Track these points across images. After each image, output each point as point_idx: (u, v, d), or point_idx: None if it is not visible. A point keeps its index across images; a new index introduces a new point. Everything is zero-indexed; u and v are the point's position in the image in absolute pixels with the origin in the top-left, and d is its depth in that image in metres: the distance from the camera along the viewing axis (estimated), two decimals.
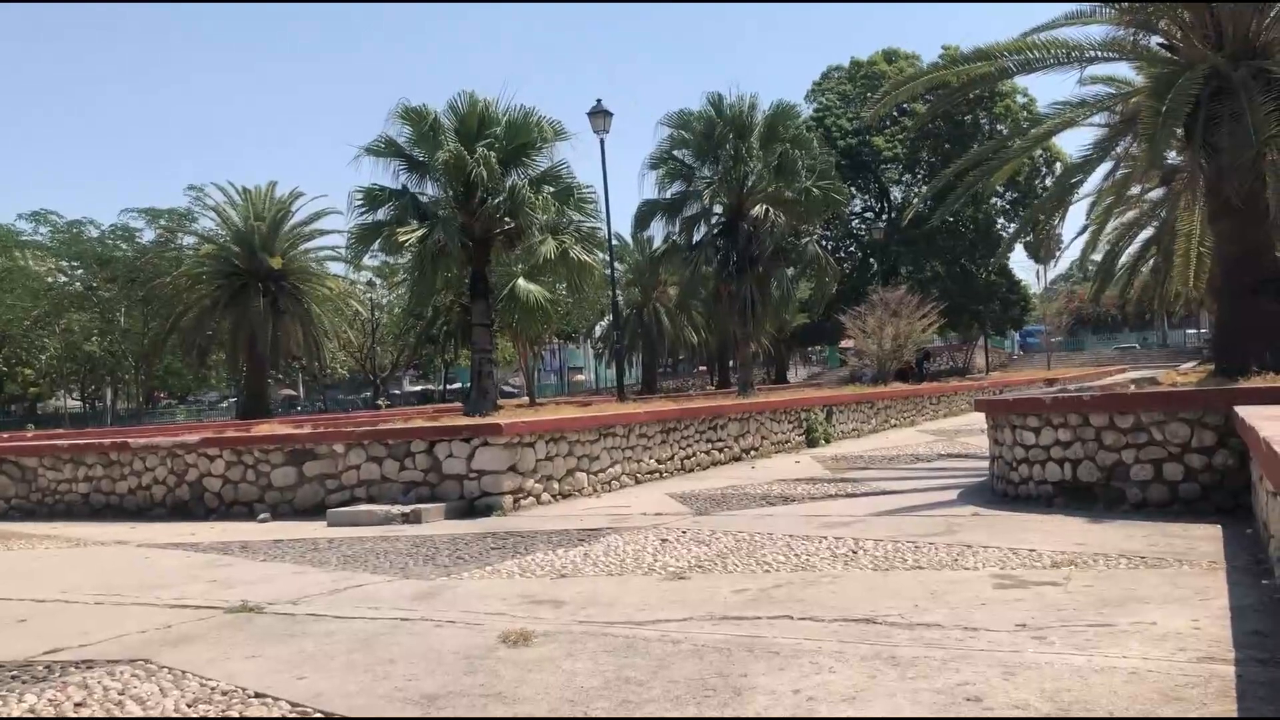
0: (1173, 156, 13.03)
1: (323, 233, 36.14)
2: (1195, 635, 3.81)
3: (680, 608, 4.79)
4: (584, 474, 10.45)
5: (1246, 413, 5.67)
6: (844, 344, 46.86)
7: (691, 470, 12.32)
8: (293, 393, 68.10)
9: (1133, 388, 9.98)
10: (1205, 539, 5.90)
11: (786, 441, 14.94)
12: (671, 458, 12.03)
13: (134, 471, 11.41)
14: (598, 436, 10.73)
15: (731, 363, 43.13)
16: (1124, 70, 13.11)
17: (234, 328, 33.47)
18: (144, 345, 44.52)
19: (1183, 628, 3.92)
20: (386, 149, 22.48)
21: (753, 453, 13.89)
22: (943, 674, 3.48)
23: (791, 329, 44.14)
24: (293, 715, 3.44)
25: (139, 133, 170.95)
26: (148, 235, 46.89)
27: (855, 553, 6.07)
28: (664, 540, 6.92)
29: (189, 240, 41.74)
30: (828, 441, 16.01)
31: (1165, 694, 3.14)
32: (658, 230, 29.06)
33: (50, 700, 3.76)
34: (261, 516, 10.12)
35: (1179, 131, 10.82)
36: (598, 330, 56.52)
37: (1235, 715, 2.93)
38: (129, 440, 11.77)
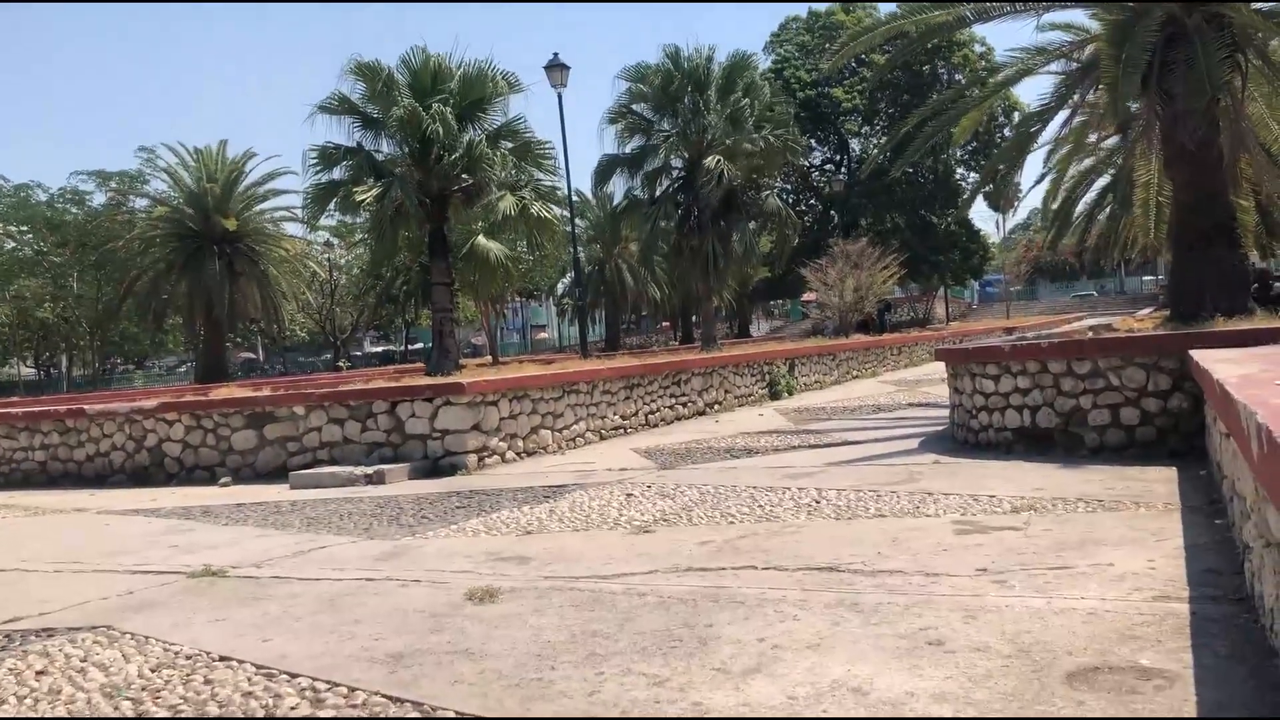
0: (1130, 104, 13.08)
1: (278, 193, 35.53)
2: (1151, 575, 3.88)
3: (646, 561, 4.81)
4: (548, 431, 10.44)
5: (1201, 356, 5.75)
6: (806, 297, 47.11)
7: (656, 425, 12.35)
8: (252, 356, 67.35)
9: (1090, 334, 10.09)
10: (1161, 481, 6.00)
11: (750, 395, 15.00)
12: (636, 413, 12.04)
13: (91, 438, 11.26)
14: (561, 394, 10.71)
15: (695, 318, 43.19)
16: (1080, 17, 13.11)
17: (190, 291, 32.91)
18: (98, 311, 43.72)
19: (1139, 568, 3.99)
20: (340, 106, 22.09)
21: (716, 407, 13.94)
22: (905, 619, 3.53)
23: (754, 283, 44.24)
24: (258, 677, 3.43)
25: (86, 94, 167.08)
26: (98, 198, 45.87)
27: (818, 503, 6.12)
28: (629, 495, 6.94)
29: (141, 203, 40.86)
30: (791, 394, 16.10)
31: (1122, 633, 3.20)
32: (618, 185, 28.85)
33: (10, 669, 3.72)
34: (223, 480, 10.03)
35: (1138, 80, 10.86)
36: (560, 288, 56.26)
37: (1189, 650, 2.99)
38: (85, 407, 11.61)
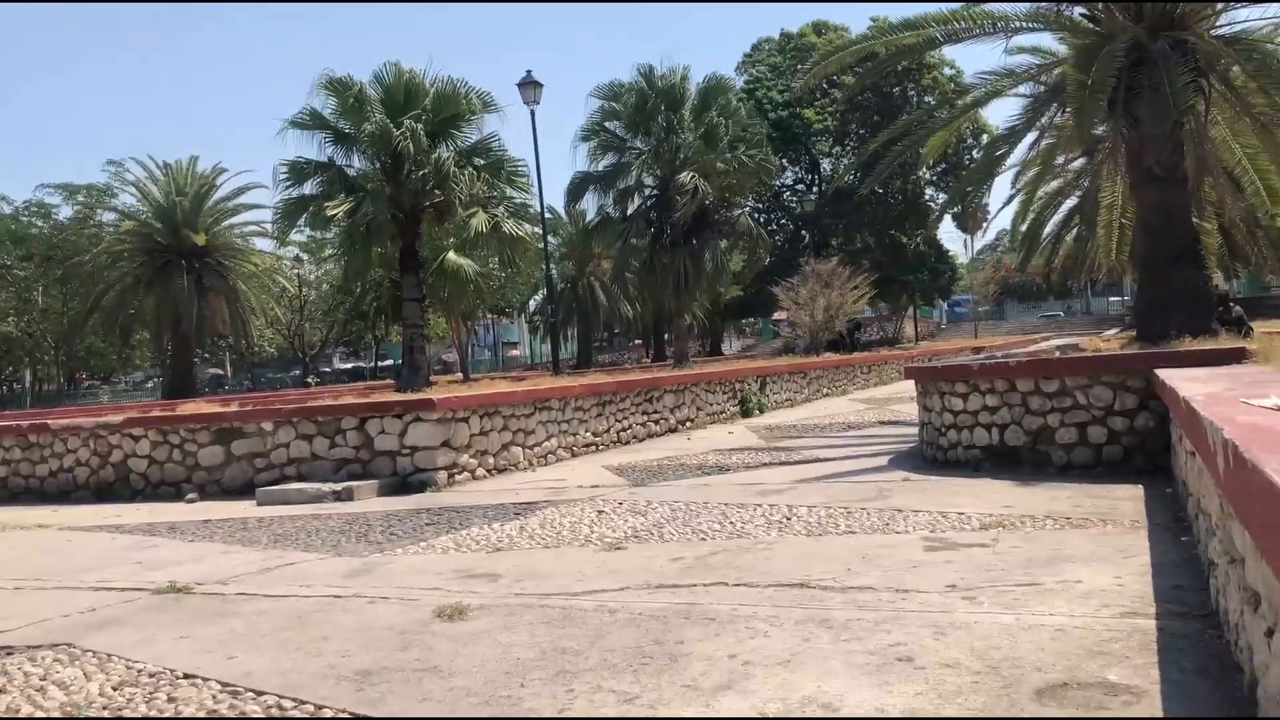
0: (1097, 127, 13.27)
1: (247, 207, 35.32)
2: (1119, 591, 3.90)
3: (617, 578, 4.79)
4: (519, 448, 10.40)
5: (1167, 375, 5.82)
6: (777, 316, 47.22)
7: (628, 443, 12.33)
8: (220, 372, 66.73)
9: (1058, 354, 10.19)
10: (1127, 499, 6.06)
11: (722, 412, 15.02)
12: (608, 430, 12.03)
13: (55, 454, 11.10)
14: (533, 410, 10.68)
15: (667, 336, 43.21)
16: (1048, 41, 13.33)
17: (157, 306, 32.62)
18: (64, 325, 43.22)
19: (1107, 585, 4.02)
20: (311, 121, 22.05)
21: (688, 424, 13.95)
22: (875, 635, 3.53)
23: (725, 301, 44.32)
24: (223, 694, 3.38)
25: (53, 106, 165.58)
26: (65, 212, 45.45)
27: (789, 519, 6.12)
28: (600, 512, 6.92)
29: (109, 217, 40.48)
30: (762, 411, 16.14)
31: (1090, 649, 3.21)
32: (591, 203, 28.91)
33: None
34: (189, 497, 9.92)
35: (1104, 103, 11.02)
36: (532, 305, 56.19)
37: (1156, 666, 3.01)
38: (48, 421, 11.45)
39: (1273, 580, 2.14)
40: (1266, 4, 23.99)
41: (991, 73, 12.87)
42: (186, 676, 3.61)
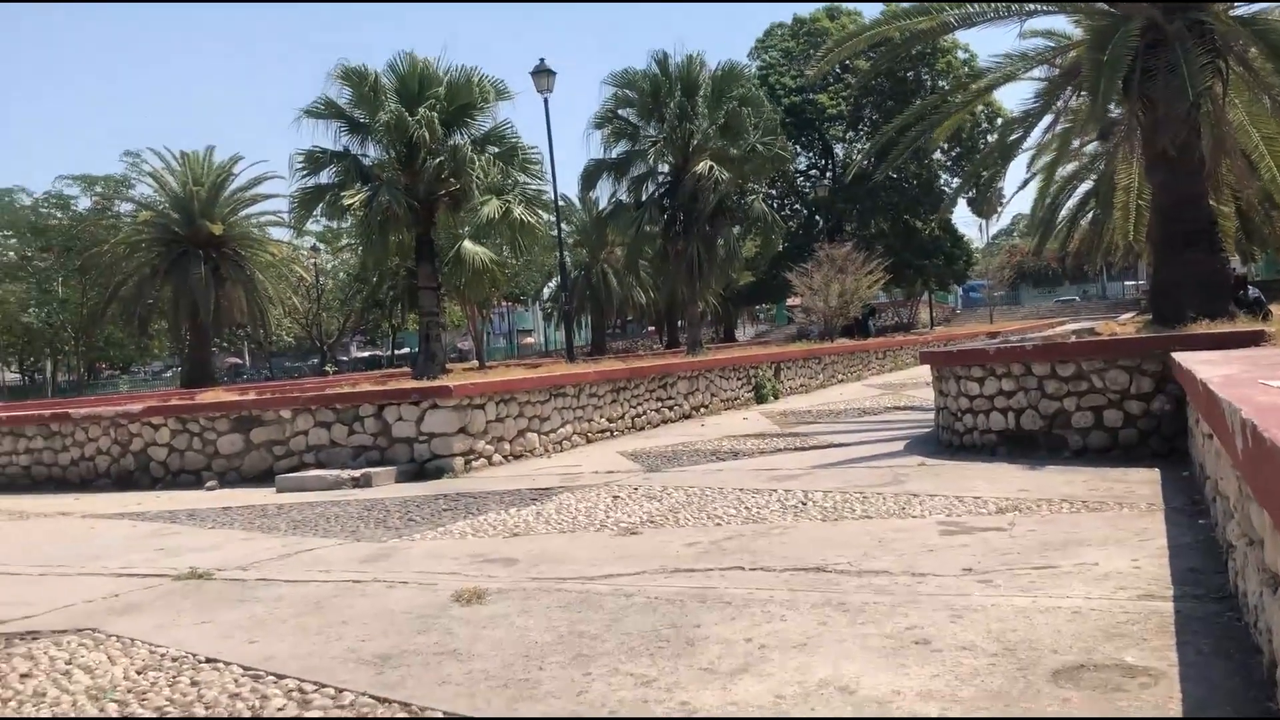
0: (1112, 109, 13.19)
1: (264, 197, 35.49)
2: (1135, 574, 3.90)
3: (633, 562, 4.81)
4: (535, 434, 10.43)
5: (1183, 358, 5.79)
6: (791, 302, 47.15)
7: (642, 429, 12.35)
8: (238, 361, 67.10)
9: (1073, 338, 10.15)
10: (1143, 483, 6.04)
11: (736, 398, 15.03)
12: (622, 416, 12.05)
13: (76, 442, 11.20)
14: (548, 397, 10.71)
15: (680, 322, 43.18)
16: (1063, 23, 13.26)
17: (175, 296, 32.76)
18: (83, 315, 43.48)
19: (1123, 567, 4.01)
20: (327, 110, 22.09)
21: (702, 410, 13.96)
22: (891, 619, 3.54)
23: (739, 288, 44.26)
24: (244, 678, 3.42)
25: (72, 98, 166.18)
26: (83, 203, 45.68)
27: (805, 504, 6.13)
28: (616, 497, 6.94)
29: (126, 207, 40.65)
30: (776, 397, 16.14)
31: (1107, 631, 3.22)
32: (604, 190, 28.89)
33: None
34: (209, 484, 9.99)
35: (1119, 85, 10.95)
36: (546, 292, 56.27)
37: (1174, 648, 3.01)
38: (70, 411, 11.55)
39: None
40: None
41: (1006, 56, 12.80)
42: (208, 661, 3.65)
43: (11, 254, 46.04)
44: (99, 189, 44.87)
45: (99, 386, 56.08)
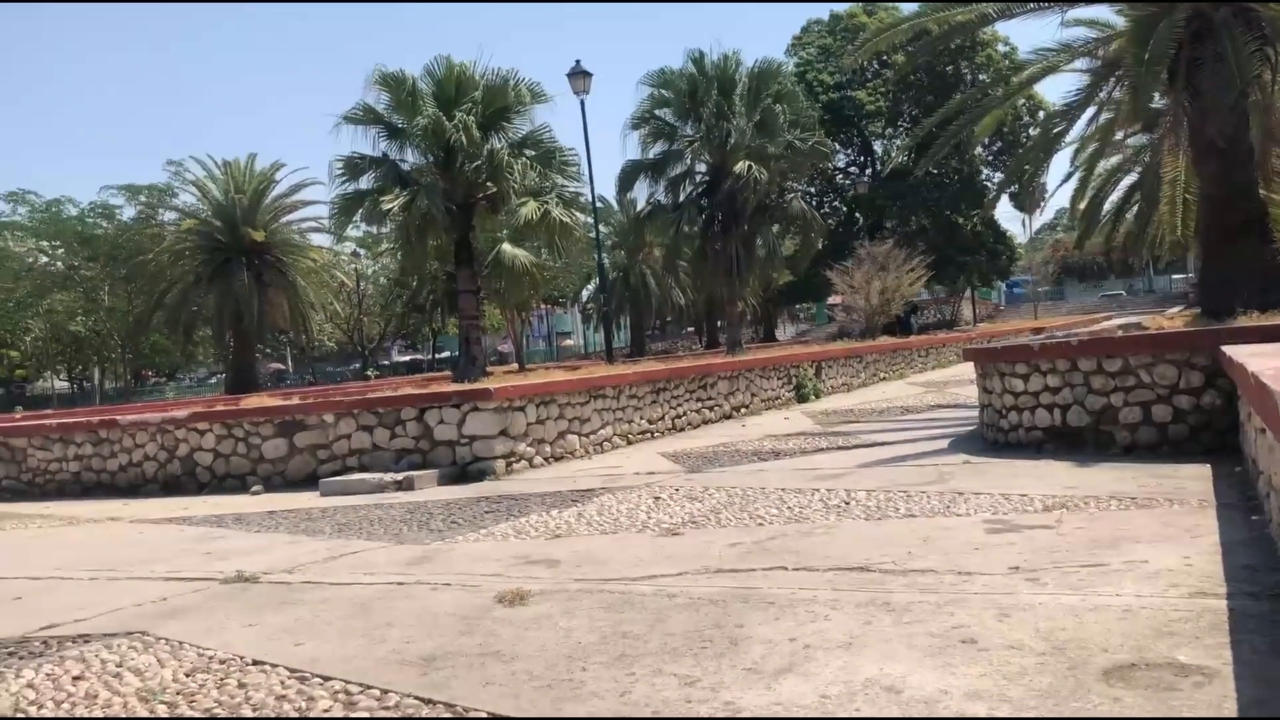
0: (1156, 100, 12.98)
1: (305, 204, 35.83)
2: (1187, 572, 3.83)
3: (675, 563, 4.80)
4: (575, 436, 10.45)
5: (1234, 351, 5.68)
6: (831, 300, 46.96)
7: (682, 429, 12.33)
8: (281, 367, 67.85)
9: (1120, 333, 10.00)
10: (1194, 479, 5.93)
11: (776, 398, 14.97)
12: (662, 417, 12.04)
13: (124, 449, 11.37)
14: (588, 398, 10.72)
15: (720, 323, 43.13)
16: (1105, 13, 13.05)
17: (219, 303, 33.20)
18: (129, 323, 44.14)
19: (1174, 565, 3.94)
20: (365, 116, 22.30)
21: (743, 410, 13.92)
22: (937, 618, 3.50)
23: (778, 287, 44.09)
24: (291, 680, 3.45)
25: (115, 109, 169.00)
26: (128, 212, 46.37)
27: (848, 503, 6.09)
28: (657, 498, 6.93)
29: (170, 216, 41.24)
30: (817, 397, 16.05)
31: (1159, 629, 3.16)
32: (642, 191, 28.93)
33: (48, 675, 3.76)
34: (254, 489, 10.10)
35: (1163, 76, 10.78)
36: (585, 294, 56.42)
37: (1228, 646, 2.95)
38: (117, 418, 11.73)
39: None
40: None
41: (1047, 48, 12.65)
42: (255, 663, 3.69)
43: (59, 264, 46.89)
44: (143, 198, 45.53)
45: (145, 393, 56.94)
